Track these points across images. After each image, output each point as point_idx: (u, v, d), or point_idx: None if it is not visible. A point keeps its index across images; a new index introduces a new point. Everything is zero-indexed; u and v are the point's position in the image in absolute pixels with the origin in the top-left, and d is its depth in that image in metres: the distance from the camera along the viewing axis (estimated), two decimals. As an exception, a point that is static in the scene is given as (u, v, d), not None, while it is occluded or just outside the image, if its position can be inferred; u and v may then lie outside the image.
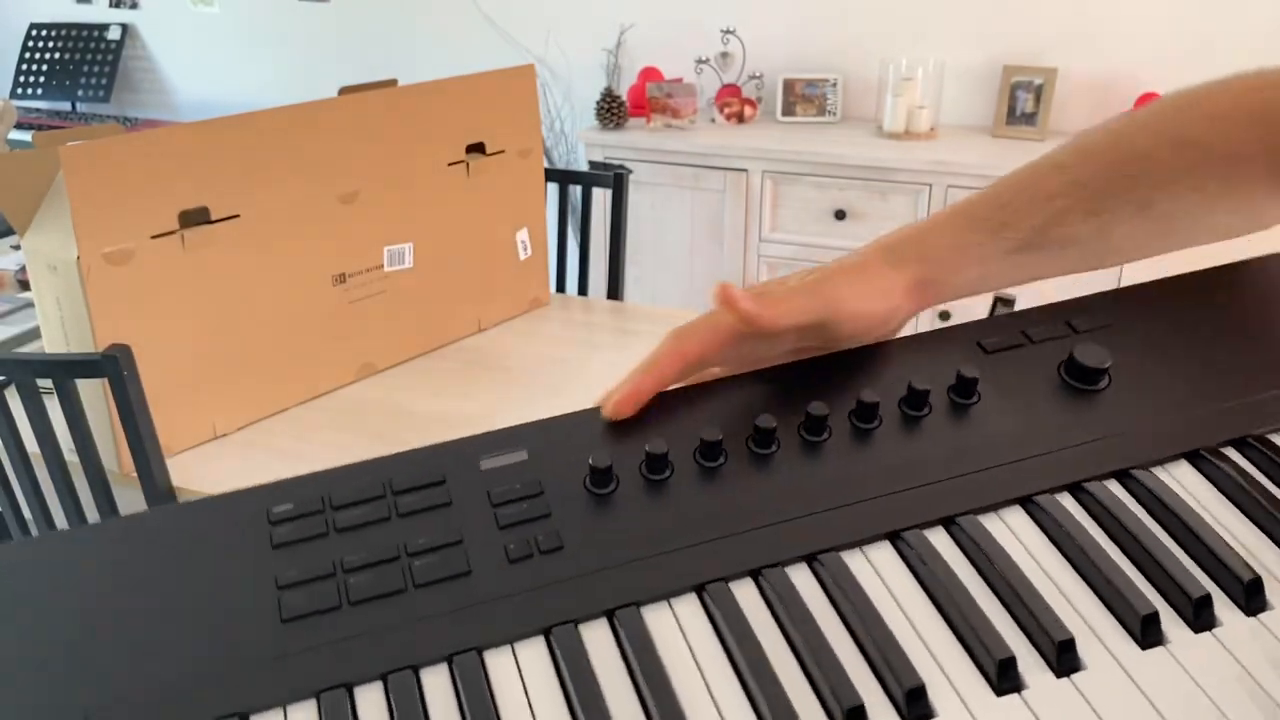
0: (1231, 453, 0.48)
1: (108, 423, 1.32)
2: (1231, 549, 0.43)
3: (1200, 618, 0.41)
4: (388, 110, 1.56)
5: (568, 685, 0.40)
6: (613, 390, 0.51)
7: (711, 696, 0.39)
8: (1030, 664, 0.40)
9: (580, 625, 0.42)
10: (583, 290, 2.15)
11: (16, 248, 2.04)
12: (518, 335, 1.76)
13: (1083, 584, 0.43)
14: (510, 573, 0.44)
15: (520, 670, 0.41)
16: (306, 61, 3.47)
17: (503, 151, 1.73)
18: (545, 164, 1.95)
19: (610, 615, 0.43)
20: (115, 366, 1.19)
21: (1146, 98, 2.44)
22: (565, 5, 3.06)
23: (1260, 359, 0.52)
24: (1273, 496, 0.45)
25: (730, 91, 2.81)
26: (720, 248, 2.70)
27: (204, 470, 1.36)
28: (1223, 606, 0.41)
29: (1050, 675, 0.39)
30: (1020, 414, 0.50)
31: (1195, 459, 0.48)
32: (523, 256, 1.81)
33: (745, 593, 0.43)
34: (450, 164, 1.65)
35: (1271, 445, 0.48)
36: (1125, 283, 0.60)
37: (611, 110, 2.75)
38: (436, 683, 0.40)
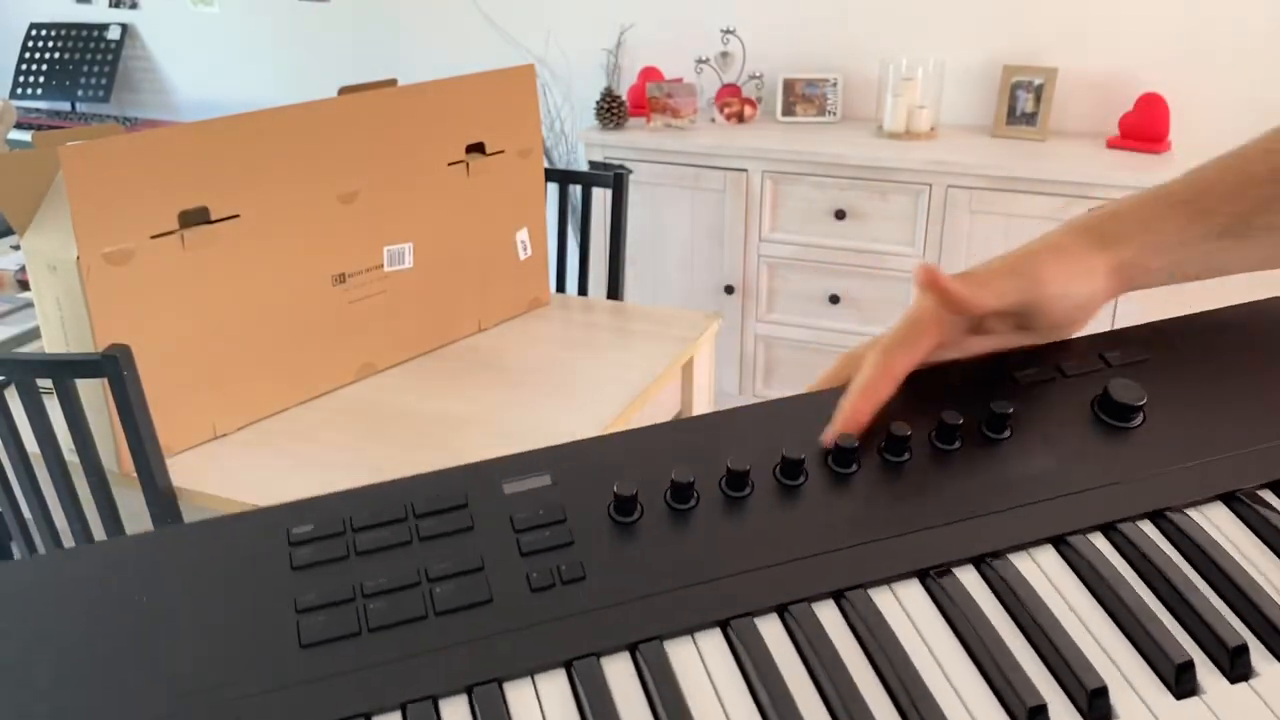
0: (1269, 496, 0.47)
1: (108, 423, 1.32)
2: (1269, 596, 0.42)
3: (1236, 667, 0.40)
4: (388, 110, 1.56)
5: (588, 717, 0.39)
6: (833, 422, 0.50)
7: None
8: (1061, 711, 0.39)
9: (602, 658, 0.41)
10: (583, 290, 2.15)
11: (16, 248, 2.04)
12: (518, 335, 1.76)
13: (1116, 629, 0.42)
14: (532, 602, 0.43)
15: (540, 703, 0.40)
16: (306, 61, 3.47)
17: (503, 151, 1.73)
18: (545, 164, 1.95)
19: (633, 649, 0.42)
20: (115, 366, 1.19)
21: (1147, 97, 2.44)
22: (565, 5, 3.06)
23: None
24: None
25: (730, 91, 2.81)
26: (720, 248, 2.70)
27: (204, 470, 1.36)
28: (1260, 656, 0.40)
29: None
30: (1053, 450, 0.49)
31: (1231, 501, 0.47)
32: (523, 256, 1.81)
33: (771, 629, 0.42)
34: (450, 164, 1.65)
35: None
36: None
37: (611, 110, 2.75)
38: (456, 713, 0.40)
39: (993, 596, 0.43)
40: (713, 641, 0.42)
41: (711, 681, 0.41)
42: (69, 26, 3.73)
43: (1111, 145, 2.46)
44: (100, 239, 1.26)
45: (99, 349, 1.26)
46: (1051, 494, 0.47)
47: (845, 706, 0.39)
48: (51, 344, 1.38)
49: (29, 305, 1.80)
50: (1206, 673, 0.40)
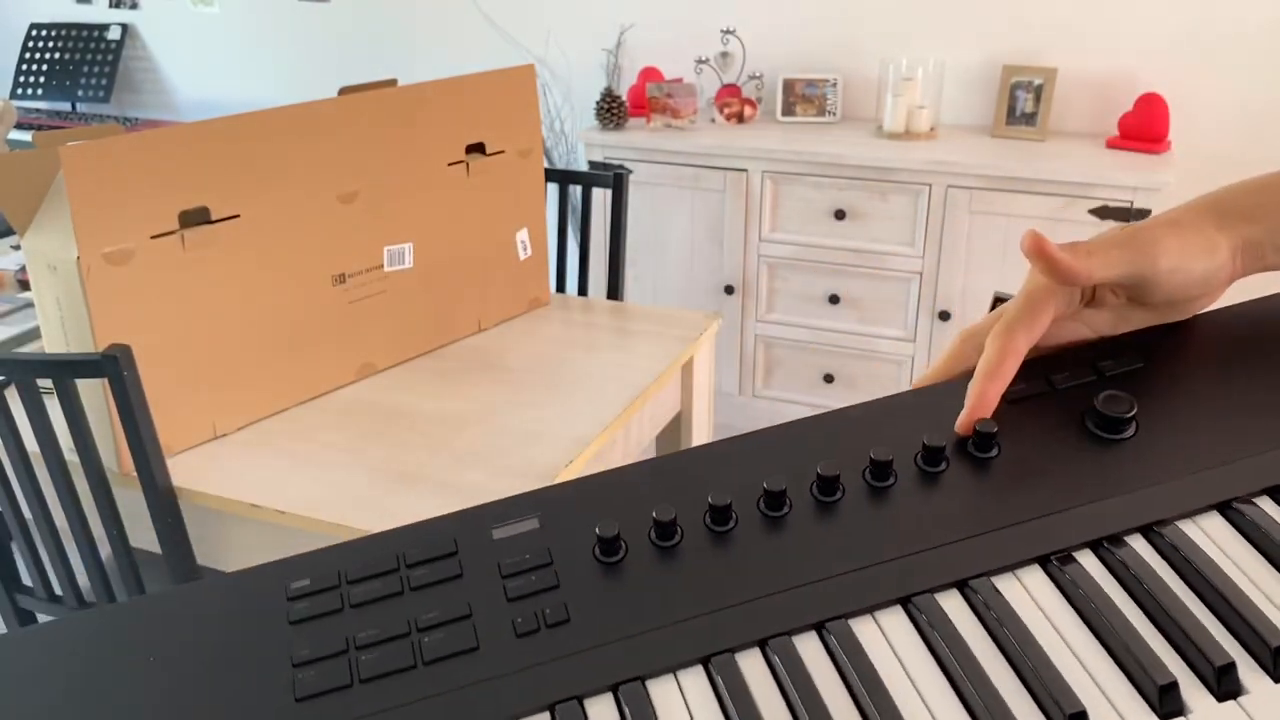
0: (1267, 503, 0.46)
1: (108, 423, 1.32)
2: (1259, 611, 0.41)
3: (1224, 685, 0.39)
4: (388, 110, 1.56)
5: None
6: (965, 408, 0.50)
7: None
8: None
9: (585, 700, 0.42)
10: (583, 290, 2.15)
11: (16, 248, 2.04)
12: (518, 335, 1.76)
13: (1100, 649, 0.41)
14: (517, 647, 0.43)
15: None
16: (306, 61, 3.47)
17: (503, 151, 1.73)
18: (545, 164, 1.95)
19: (615, 689, 0.42)
20: (115, 366, 1.19)
21: (1146, 97, 2.44)
22: (565, 5, 3.06)
23: None
24: None
25: (730, 91, 2.81)
26: (720, 248, 2.70)
27: (204, 470, 1.36)
28: (1250, 672, 0.40)
29: None
30: (1041, 467, 0.48)
31: (1227, 510, 0.46)
32: (523, 256, 1.81)
33: (751, 664, 0.42)
34: (450, 164, 1.65)
35: None
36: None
37: (611, 110, 2.75)
38: None
39: (975, 619, 0.43)
40: (694, 679, 0.42)
41: (691, 718, 0.41)
42: (69, 26, 3.73)
43: (1111, 145, 2.46)
44: (100, 239, 1.26)
45: (99, 349, 1.26)
46: (1039, 513, 0.46)
47: None
48: (51, 344, 1.38)
49: (29, 305, 1.80)
50: (1194, 691, 0.39)
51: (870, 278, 2.57)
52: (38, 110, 3.71)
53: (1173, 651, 0.41)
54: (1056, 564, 0.44)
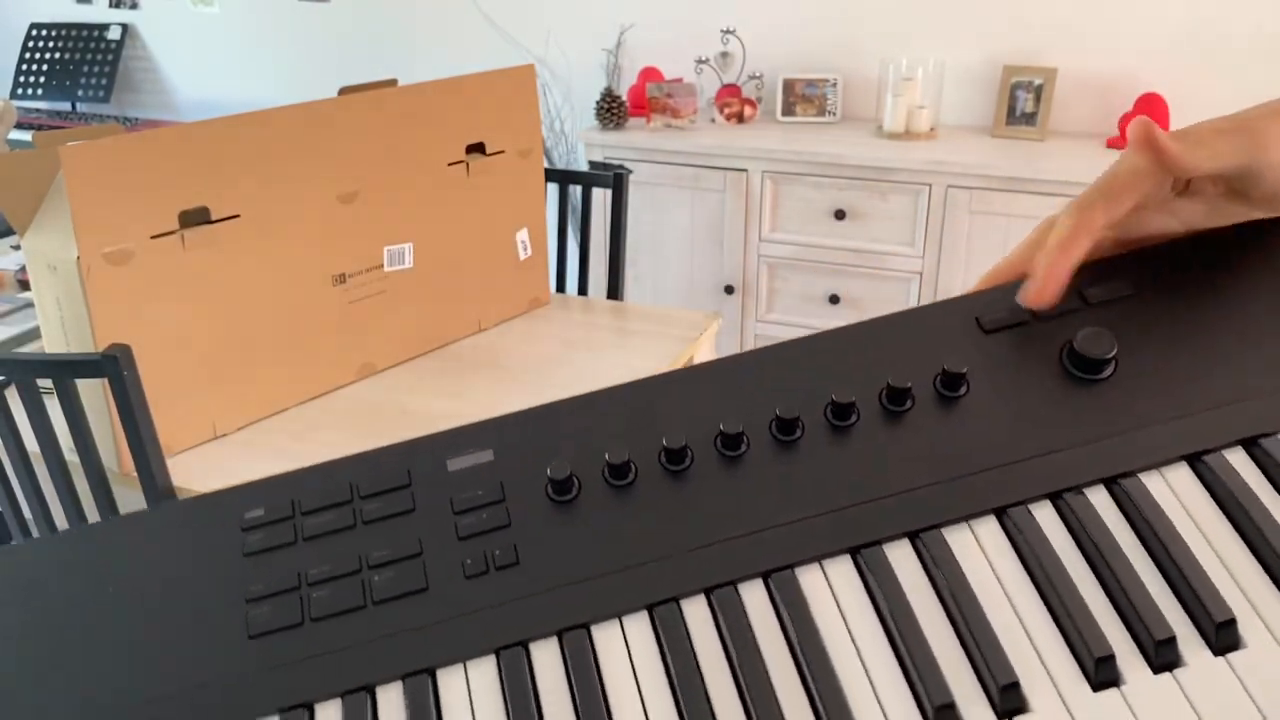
0: (1239, 455, 0.43)
1: (108, 423, 1.32)
2: (1208, 581, 0.39)
3: (1160, 657, 0.38)
4: (388, 110, 1.56)
5: (509, 707, 0.40)
6: (1031, 279, 0.47)
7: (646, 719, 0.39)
8: (973, 701, 0.38)
9: (530, 645, 0.42)
10: (583, 290, 2.15)
11: (16, 248, 2.04)
12: (518, 335, 1.76)
13: (1045, 611, 0.40)
14: (466, 589, 0.43)
15: (470, 690, 0.41)
16: (306, 61, 3.47)
17: (503, 151, 1.73)
18: (545, 164, 1.95)
19: (560, 635, 0.42)
20: (115, 366, 1.19)
21: (1147, 98, 2.44)
22: (565, 5, 3.06)
23: None
24: (1266, 511, 0.41)
25: (730, 91, 2.81)
26: (720, 248, 2.70)
27: (204, 470, 1.36)
28: (1190, 644, 0.38)
29: (993, 716, 0.38)
30: (1011, 410, 0.46)
31: (1196, 463, 0.43)
32: (523, 256, 1.81)
33: (695, 611, 0.42)
34: (450, 164, 1.65)
35: None
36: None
37: (611, 110, 2.75)
38: (391, 702, 0.41)
39: (923, 574, 0.42)
40: (639, 625, 0.42)
41: (633, 666, 0.41)
42: (69, 26, 3.73)
43: (1111, 145, 2.46)
44: (100, 239, 1.26)
45: (99, 349, 1.26)
46: (1000, 461, 0.44)
47: (754, 692, 0.39)
48: (51, 344, 1.38)
49: (29, 305, 1.80)
50: (1131, 660, 0.38)
51: (870, 278, 2.57)
52: (38, 110, 3.71)
53: (1116, 617, 0.40)
54: (1011, 517, 0.43)
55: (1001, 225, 2.40)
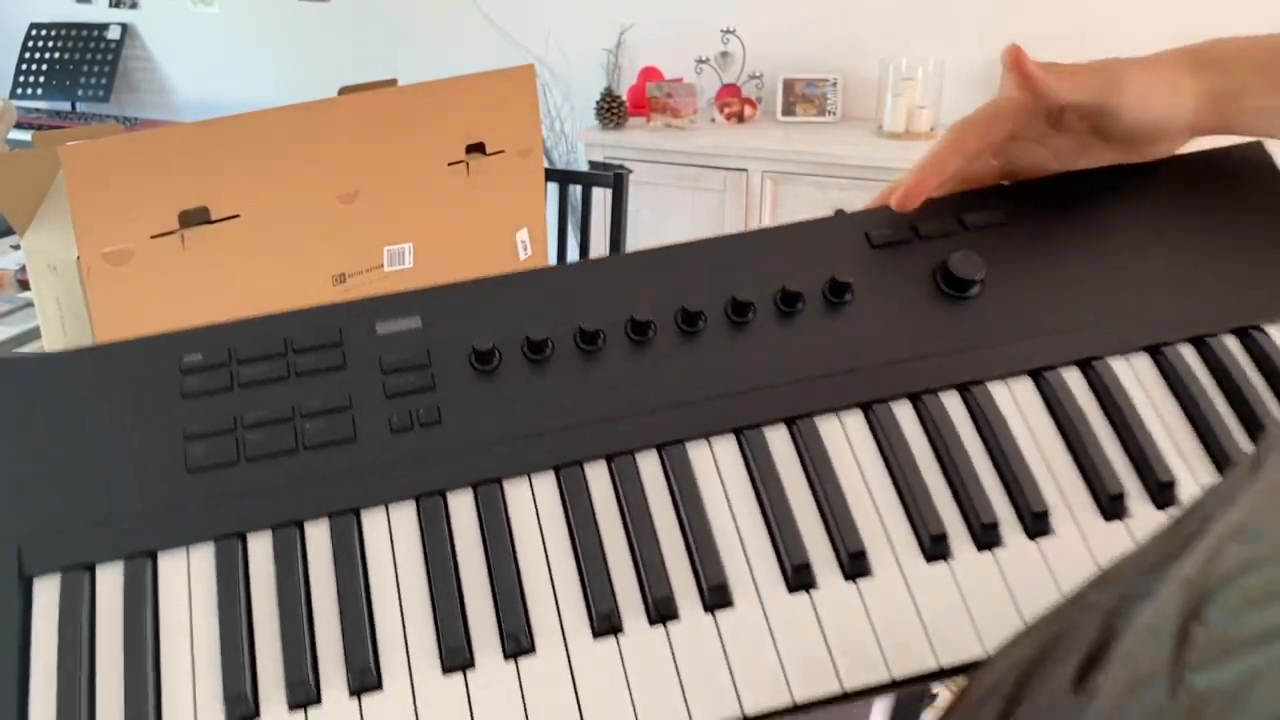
0: (1073, 374, 0.49)
1: (108, 423, 1.32)
2: (1033, 478, 0.46)
3: (986, 538, 0.45)
4: (388, 110, 1.56)
5: (428, 551, 0.44)
6: (897, 184, 0.51)
7: (550, 574, 0.44)
8: (827, 566, 0.44)
9: (448, 494, 0.46)
10: (583, 290, 2.15)
11: (16, 248, 2.04)
12: (518, 335, 1.76)
13: (895, 493, 0.46)
14: (391, 442, 0.47)
15: (391, 530, 0.45)
16: (306, 61, 3.47)
17: (503, 151, 1.73)
18: (545, 164, 1.95)
19: (475, 487, 0.46)
20: (115, 366, 1.19)
21: (1146, 98, 2.44)
22: (565, 5, 3.06)
23: (1146, 277, 0.52)
24: (1089, 425, 0.47)
25: (730, 91, 2.81)
26: (720, 248, 2.70)
27: (204, 470, 1.36)
28: (1011, 528, 0.45)
29: (840, 578, 0.44)
30: (888, 318, 0.51)
31: (1038, 377, 0.49)
32: (523, 256, 1.81)
33: (597, 474, 0.47)
34: (450, 164, 1.65)
35: (1110, 371, 0.49)
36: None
37: (611, 110, 2.75)
38: (318, 535, 0.45)
39: (794, 454, 0.47)
40: (546, 484, 0.47)
41: (539, 522, 0.45)
42: (69, 26, 3.73)
43: (1111, 145, 2.46)
44: (100, 239, 1.26)
45: (99, 349, 1.26)
46: (874, 362, 0.50)
47: (642, 546, 0.44)
48: (51, 344, 1.38)
49: (29, 305, 1.80)
50: (961, 542, 0.45)
51: (870, 278, 2.57)
52: (38, 110, 3.71)
53: (953, 503, 0.46)
54: (875, 411, 0.49)
55: (1001, 225, 2.40)
